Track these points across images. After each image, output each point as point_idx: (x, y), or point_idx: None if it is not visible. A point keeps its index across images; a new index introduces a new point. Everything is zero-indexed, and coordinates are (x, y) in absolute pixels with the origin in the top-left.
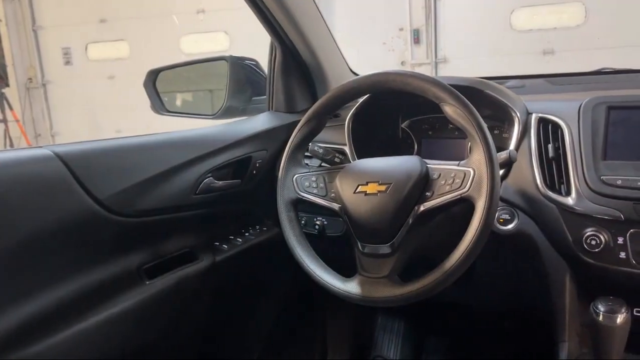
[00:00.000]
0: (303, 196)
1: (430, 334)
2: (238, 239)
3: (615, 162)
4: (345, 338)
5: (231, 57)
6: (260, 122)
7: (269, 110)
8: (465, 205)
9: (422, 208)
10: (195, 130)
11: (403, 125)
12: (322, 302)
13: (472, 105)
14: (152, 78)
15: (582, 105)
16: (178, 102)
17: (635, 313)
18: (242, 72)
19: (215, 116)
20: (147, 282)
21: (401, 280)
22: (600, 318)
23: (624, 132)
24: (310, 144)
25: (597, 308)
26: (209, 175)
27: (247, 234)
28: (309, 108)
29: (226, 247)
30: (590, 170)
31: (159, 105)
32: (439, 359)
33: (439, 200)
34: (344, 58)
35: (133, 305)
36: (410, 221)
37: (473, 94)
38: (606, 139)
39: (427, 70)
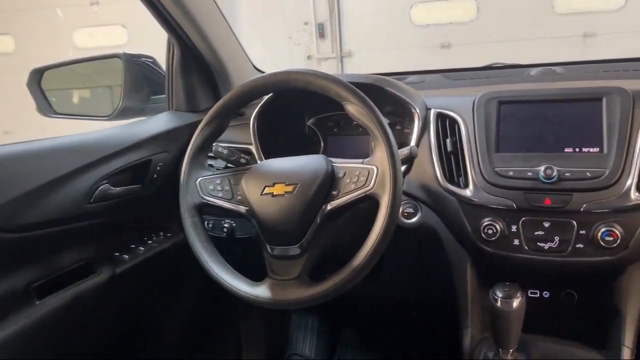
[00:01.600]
0: (208, 200)
1: (344, 327)
2: (140, 248)
3: (507, 155)
4: (259, 337)
5: (125, 54)
6: (160, 122)
7: (168, 109)
8: (370, 202)
9: (329, 207)
10: (88, 133)
11: (309, 123)
12: (234, 304)
13: (373, 104)
14: (37, 78)
15: (476, 101)
16: (72, 102)
17: (529, 294)
18: (138, 69)
19: (110, 117)
20: (37, 302)
21: (311, 280)
22: (499, 304)
23: (514, 125)
24: (213, 144)
25: (495, 294)
26: (105, 181)
27: (150, 241)
28: (211, 107)
29: (127, 257)
30: (485, 163)
31: (46, 106)
32: (353, 352)
33: (345, 199)
34: (246, 55)
35: (20, 328)
36: (318, 221)
37: (374, 91)
38: (498, 132)
39: (333, 64)
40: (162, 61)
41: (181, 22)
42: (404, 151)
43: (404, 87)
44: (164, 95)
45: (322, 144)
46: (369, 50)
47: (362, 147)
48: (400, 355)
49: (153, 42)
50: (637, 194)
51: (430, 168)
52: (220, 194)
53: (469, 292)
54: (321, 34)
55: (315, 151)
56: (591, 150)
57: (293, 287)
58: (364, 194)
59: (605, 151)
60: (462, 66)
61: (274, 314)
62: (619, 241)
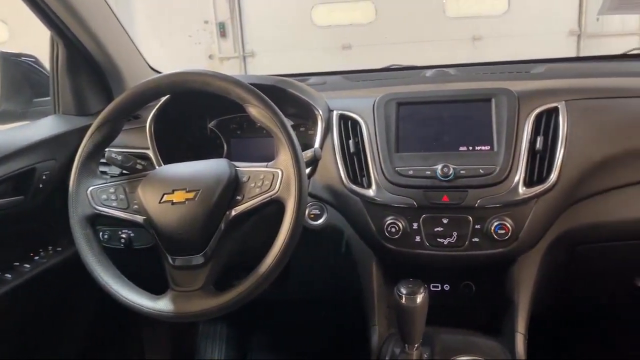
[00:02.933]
0: (101, 211)
1: (255, 332)
2: (25, 265)
3: (406, 154)
4: (164, 348)
5: (2, 53)
6: (45, 127)
7: (55, 113)
8: (276, 206)
9: (233, 213)
10: None
11: (210, 126)
12: (136, 316)
13: (275, 106)
14: None
15: (376, 102)
16: None
17: (432, 288)
18: (17, 70)
19: None
20: None
21: (217, 290)
22: (403, 300)
23: (412, 126)
24: (106, 150)
25: (400, 291)
26: None
27: (37, 257)
28: (103, 110)
29: (10, 276)
30: (386, 163)
31: None
32: (264, 357)
33: (250, 204)
34: (141, 54)
35: None
36: (223, 227)
37: (276, 93)
38: (398, 132)
39: (235, 64)
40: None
41: (64, 17)
42: (308, 153)
43: (306, 88)
44: (50, 98)
45: (224, 147)
46: (272, 51)
47: (266, 149)
48: (312, 356)
49: (40, 40)
50: (524, 188)
51: (334, 169)
52: (114, 204)
53: (375, 290)
54: (222, 33)
55: (217, 155)
56: (483, 148)
57: (198, 298)
58: (269, 198)
59: (495, 149)
60: (363, 67)
61: (180, 324)
62: (510, 234)
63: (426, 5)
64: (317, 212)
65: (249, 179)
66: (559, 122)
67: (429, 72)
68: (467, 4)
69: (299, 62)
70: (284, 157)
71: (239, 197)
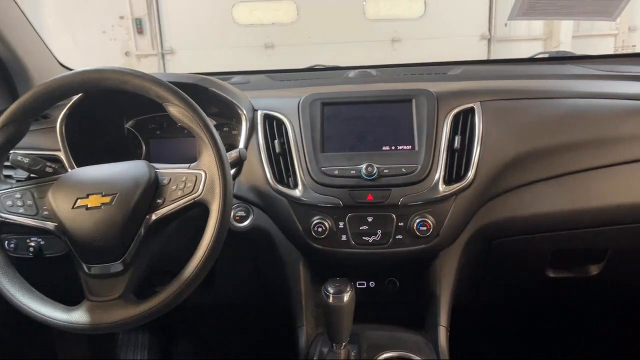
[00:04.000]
0: (6, 218)
1: (179, 338)
2: None
3: (332, 154)
4: None
5: None
6: None
7: None
8: (200, 209)
9: (154, 217)
10: None
11: (128, 126)
12: (48, 329)
13: (197, 105)
14: None
15: (301, 102)
16: None
17: (358, 286)
18: None
19: None
20: None
21: (137, 298)
22: (331, 300)
23: (337, 126)
24: (11, 152)
25: (327, 290)
26: None
27: None
28: (6, 109)
29: None
30: (312, 163)
31: None
32: None
33: (172, 207)
34: (49, 50)
35: None
36: (143, 233)
37: (198, 92)
38: (323, 132)
39: (154, 62)
40: None
41: None
42: (233, 154)
43: (229, 87)
44: None
45: (143, 148)
46: (193, 49)
47: (188, 150)
48: None
49: None
50: (444, 186)
51: (260, 170)
52: (21, 210)
53: (302, 290)
54: (139, 29)
55: (135, 156)
56: (405, 148)
57: (117, 307)
58: (192, 201)
59: (416, 148)
60: (286, 67)
61: (97, 335)
62: (431, 230)
63: (347, 7)
64: (242, 213)
65: (170, 181)
66: (475, 121)
67: (352, 73)
68: (386, 7)
69: (221, 60)
70: (207, 158)
71: (159, 201)
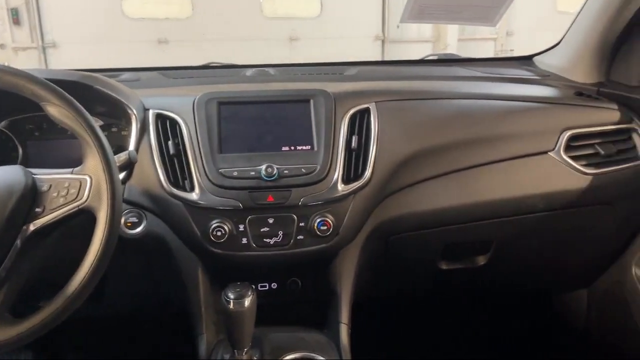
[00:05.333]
0: None
1: (67, 355)
2: None
3: (230, 155)
4: None
5: None
6: None
7: None
8: (86, 217)
9: (32, 227)
10: None
11: (1, 127)
12: None
13: (79, 105)
14: None
15: (196, 101)
16: None
17: (259, 288)
18: None
19: None
20: None
21: (15, 316)
22: (231, 305)
23: (235, 126)
24: None
25: (227, 296)
26: None
27: None
28: None
29: None
30: (209, 165)
31: None
32: None
33: (53, 216)
34: None
35: None
36: (19, 245)
37: (81, 90)
38: (220, 133)
39: (34, 56)
40: None
41: None
42: (122, 157)
43: (117, 85)
44: None
45: (19, 151)
46: (80, 43)
47: (72, 153)
48: None
49: None
50: (342, 185)
51: (153, 173)
52: None
53: (201, 297)
54: (15, 20)
55: (10, 161)
56: (304, 148)
57: None
58: (76, 209)
59: (315, 149)
60: (181, 64)
61: None
62: (331, 229)
63: (244, 4)
64: (134, 220)
65: (50, 187)
66: (371, 121)
67: (249, 71)
68: (283, 5)
69: (112, 56)
70: (93, 162)
71: (38, 209)
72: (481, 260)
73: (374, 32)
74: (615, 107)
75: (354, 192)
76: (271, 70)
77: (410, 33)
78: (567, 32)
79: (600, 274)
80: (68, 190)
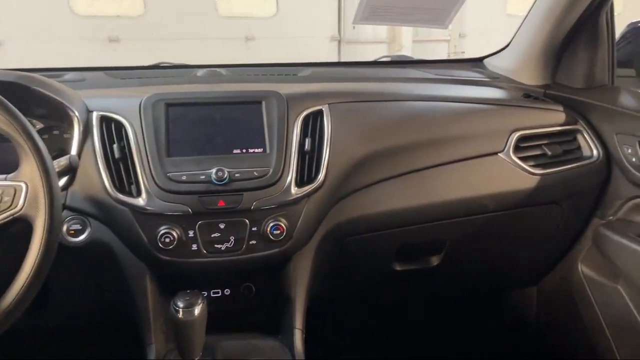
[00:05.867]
0: None
1: None
2: None
3: (179, 159)
4: None
5: None
6: None
7: None
8: (22, 226)
9: None
10: None
11: None
12: None
13: (13, 107)
14: None
15: (142, 103)
16: None
17: (212, 295)
18: None
19: None
20: None
21: None
22: (180, 314)
23: (184, 128)
24: None
25: (176, 305)
26: None
27: None
28: None
29: None
30: (157, 169)
31: None
32: None
33: None
34: None
35: None
36: None
37: (18, 91)
38: (168, 136)
39: None
40: None
41: None
42: (62, 161)
43: (58, 86)
44: None
45: None
46: (26, 41)
47: (6, 157)
48: None
49: None
50: (296, 188)
51: (97, 177)
52: None
53: (150, 306)
54: None
55: None
56: (256, 150)
57: None
58: (10, 218)
59: (268, 151)
60: (129, 64)
61: None
62: (285, 233)
63: (198, 2)
64: (77, 227)
65: None
66: (324, 124)
67: (200, 72)
68: (238, 4)
69: (60, 55)
70: (29, 168)
71: None
72: (434, 260)
73: (330, 33)
74: (561, 108)
75: (308, 195)
76: (223, 71)
77: (366, 34)
78: (514, 35)
79: (549, 271)
80: (1, 197)
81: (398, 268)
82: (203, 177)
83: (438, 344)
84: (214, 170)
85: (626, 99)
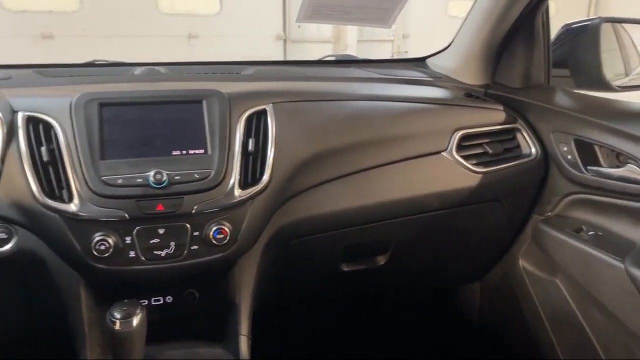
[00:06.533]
0: None
1: None
2: None
3: (114, 161)
4: None
5: None
6: None
7: None
8: None
9: None
10: None
11: None
12: None
13: None
14: None
15: (73, 103)
16: None
17: (153, 303)
18: None
19: None
20: None
21: None
22: (117, 326)
23: (119, 129)
24: None
25: (112, 316)
26: None
27: None
28: None
29: None
30: (90, 172)
31: None
32: None
33: None
34: None
35: None
36: None
37: None
38: (102, 137)
39: None
40: None
41: None
42: None
43: None
44: None
45: None
46: None
47: None
48: None
49: None
50: (240, 191)
51: (23, 182)
52: None
53: (85, 318)
54: None
55: None
56: (197, 152)
57: None
58: None
59: (209, 152)
60: (61, 62)
61: None
62: (228, 237)
63: None
64: (3, 236)
65: None
66: (268, 123)
67: (137, 70)
68: (181, 2)
69: None
70: None
71: None
72: (381, 260)
73: (275, 32)
74: (501, 108)
75: (252, 197)
76: (162, 69)
77: (311, 33)
78: (455, 36)
79: (492, 267)
80: None
81: (345, 269)
82: (140, 180)
83: (386, 342)
84: (151, 173)
85: (562, 99)
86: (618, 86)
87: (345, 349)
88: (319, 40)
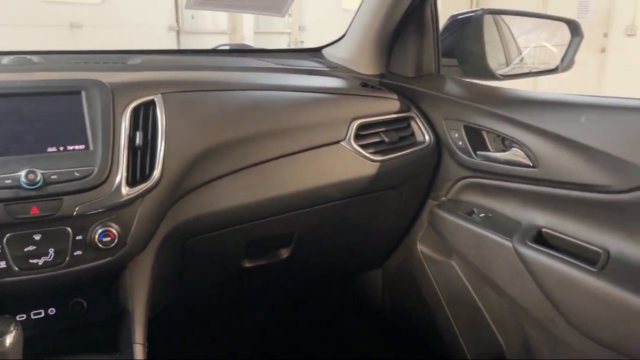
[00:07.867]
0: None
1: None
2: None
3: None
4: None
5: None
6: None
7: None
8: None
9: None
10: None
11: None
12: None
13: None
14: None
15: None
16: None
17: (33, 317)
18: None
19: None
20: None
21: None
22: None
23: None
24: None
25: None
26: None
27: None
28: None
29: None
30: None
31: None
32: None
33: None
34: None
35: None
36: None
37: None
38: None
39: None
40: None
41: None
42: None
43: None
44: None
45: None
46: None
47: None
48: None
49: None
50: (127, 188)
51: None
52: None
53: None
54: None
55: None
56: (77, 148)
57: None
58: None
59: (91, 148)
60: None
61: None
62: (117, 240)
63: None
64: None
65: None
66: (157, 115)
67: (5, 59)
68: None
69: None
70: None
71: None
72: (284, 253)
73: (167, 22)
74: (395, 97)
75: (142, 195)
76: (35, 58)
77: (206, 24)
78: (349, 26)
79: (392, 253)
80: None
81: (247, 265)
82: (9, 181)
83: (293, 334)
84: (23, 173)
85: (451, 87)
86: (501, 75)
87: (250, 348)
88: (215, 32)
